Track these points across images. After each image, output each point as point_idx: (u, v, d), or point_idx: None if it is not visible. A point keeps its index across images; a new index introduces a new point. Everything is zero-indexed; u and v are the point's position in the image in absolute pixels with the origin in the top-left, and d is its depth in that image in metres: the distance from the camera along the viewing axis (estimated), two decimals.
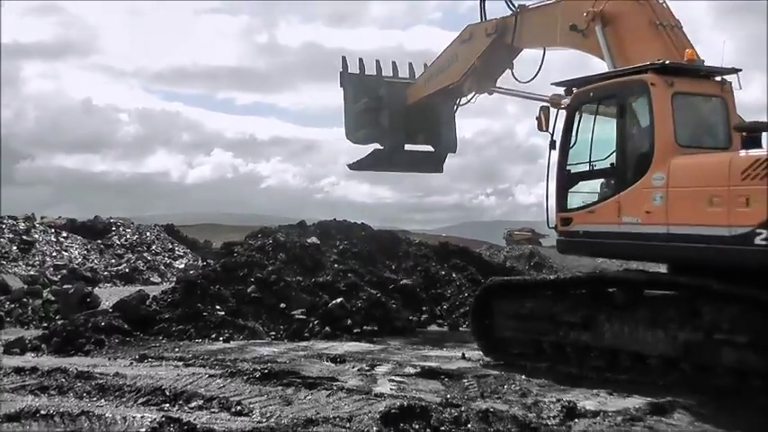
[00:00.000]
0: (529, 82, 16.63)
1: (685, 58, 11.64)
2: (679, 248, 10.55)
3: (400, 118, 20.73)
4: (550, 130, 13.00)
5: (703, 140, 11.72)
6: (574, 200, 12.47)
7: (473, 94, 18.75)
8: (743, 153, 10.08)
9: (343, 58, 21.58)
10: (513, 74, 17.35)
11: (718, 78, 11.83)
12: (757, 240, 9.44)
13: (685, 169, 10.66)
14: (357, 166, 22.01)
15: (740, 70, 11.89)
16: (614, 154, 11.78)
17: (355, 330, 16.18)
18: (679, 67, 11.55)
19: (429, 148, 21.55)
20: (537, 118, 13.24)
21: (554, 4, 15.03)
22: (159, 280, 30.91)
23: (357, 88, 21.26)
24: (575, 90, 12.60)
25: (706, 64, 11.95)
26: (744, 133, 10.83)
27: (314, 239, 20.05)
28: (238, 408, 8.86)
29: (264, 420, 8.43)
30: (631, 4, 13.16)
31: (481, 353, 13.41)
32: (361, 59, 21.59)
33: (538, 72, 16.34)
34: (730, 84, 11.83)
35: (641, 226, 11.03)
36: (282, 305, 16.83)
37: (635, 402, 9.26)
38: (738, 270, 9.89)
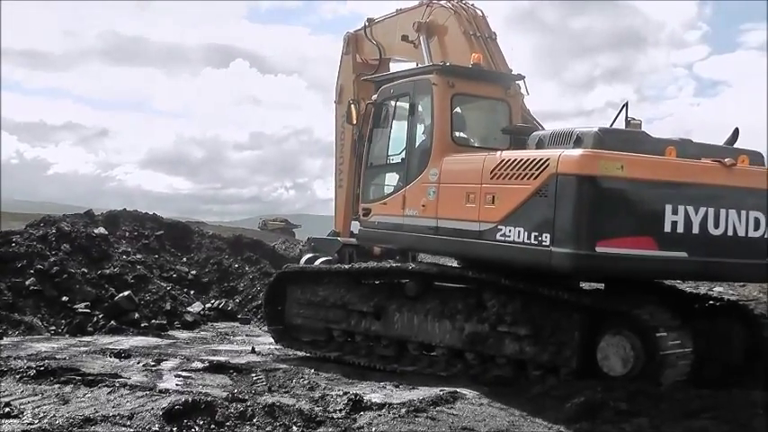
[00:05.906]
0: None
1: (471, 62, 12.02)
2: (444, 241, 11.06)
3: None
4: (359, 123, 13.33)
5: (481, 141, 12.32)
6: (374, 192, 12.78)
7: None
8: (496, 154, 10.57)
9: None
10: None
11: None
12: (497, 236, 10.02)
13: (452, 167, 11.18)
14: None
15: (523, 77, 12.48)
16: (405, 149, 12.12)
17: (143, 324, 15.63)
18: (461, 69, 11.94)
19: None
20: (347, 112, 13.44)
21: (395, 16, 15.05)
22: None
23: None
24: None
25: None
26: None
27: (101, 230, 19.24)
28: (7, 409, 8.18)
29: (36, 421, 7.86)
30: (450, 16, 13.45)
31: (271, 347, 13.33)
32: None
33: None
34: (518, 88, 12.33)
35: (418, 218, 11.47)
36: (65, 298, 15.97)
37: (419, 394, 9.38)
38: (492, 263, 10.43)
